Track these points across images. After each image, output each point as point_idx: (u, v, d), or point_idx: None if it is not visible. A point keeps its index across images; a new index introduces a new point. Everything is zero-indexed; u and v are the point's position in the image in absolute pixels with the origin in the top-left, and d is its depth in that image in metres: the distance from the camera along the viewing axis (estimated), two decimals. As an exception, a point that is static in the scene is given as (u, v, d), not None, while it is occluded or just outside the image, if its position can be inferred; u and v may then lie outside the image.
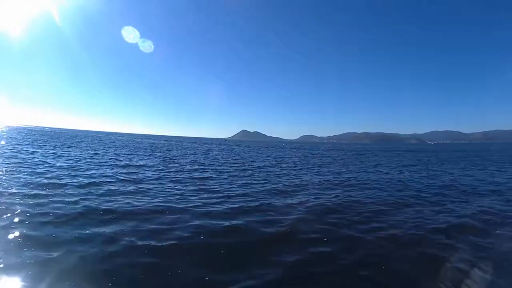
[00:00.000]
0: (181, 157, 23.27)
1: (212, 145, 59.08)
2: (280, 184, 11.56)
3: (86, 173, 11.98)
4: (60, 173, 11.50)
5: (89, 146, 31.52)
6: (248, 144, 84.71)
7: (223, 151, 37.07)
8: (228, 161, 21.86)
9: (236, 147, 57.58)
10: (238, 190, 9.89)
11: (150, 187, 9.70)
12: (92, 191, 8.57)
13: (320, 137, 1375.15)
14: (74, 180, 10.02)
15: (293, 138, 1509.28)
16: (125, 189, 9.13)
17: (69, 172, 11.88)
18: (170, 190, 9.50)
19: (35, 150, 20.97)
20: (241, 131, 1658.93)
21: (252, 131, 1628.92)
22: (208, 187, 10.38)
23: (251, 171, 15.90)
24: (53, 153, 19.68)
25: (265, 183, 11.88)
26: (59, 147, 25.86)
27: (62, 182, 9.51)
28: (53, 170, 12.14)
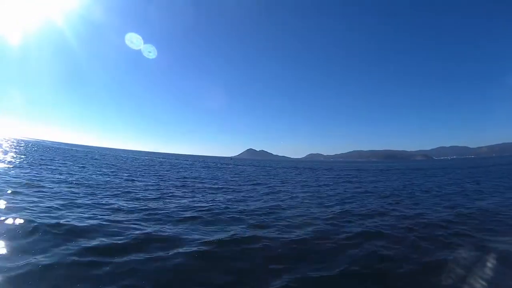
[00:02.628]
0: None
1: (245, 167, 50.90)
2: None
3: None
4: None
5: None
6: (264, 164, 75.96)
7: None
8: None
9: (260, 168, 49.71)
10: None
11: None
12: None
13: (327, 155, 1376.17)
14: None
15: (300, 157, 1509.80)
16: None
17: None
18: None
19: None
20: (247, 149, 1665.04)
21: (258, 150, 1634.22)
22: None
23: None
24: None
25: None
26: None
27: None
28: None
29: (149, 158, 74.31)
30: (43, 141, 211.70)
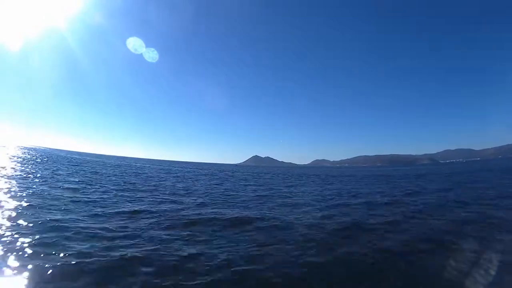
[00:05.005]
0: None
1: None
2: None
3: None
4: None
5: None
6: (277, 172, 71.97)
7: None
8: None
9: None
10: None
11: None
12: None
13: (333, 161, 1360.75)
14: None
15: (306, 163, 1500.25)
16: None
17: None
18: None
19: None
20: (252, 156, 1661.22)
21: (263, 157, 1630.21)
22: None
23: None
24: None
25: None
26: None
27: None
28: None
29: (169, 167, 70.56)
30: (49, 148, 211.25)
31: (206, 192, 18.45)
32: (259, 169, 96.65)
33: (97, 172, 30.08)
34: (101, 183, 19.77)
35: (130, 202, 12.81)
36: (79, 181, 19.96)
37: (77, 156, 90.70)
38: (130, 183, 21.63)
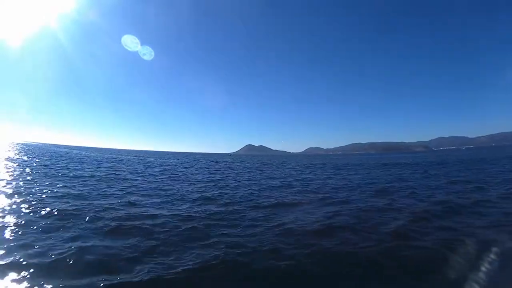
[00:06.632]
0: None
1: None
2: None
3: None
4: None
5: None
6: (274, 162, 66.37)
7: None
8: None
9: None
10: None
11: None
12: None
13: (326, 149, 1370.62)
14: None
15: (299, 151, 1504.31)
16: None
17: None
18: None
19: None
20: (246, 145, 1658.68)
21: (257, 145, 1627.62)
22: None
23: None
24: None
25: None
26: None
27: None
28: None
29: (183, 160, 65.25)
30: (44, 144, 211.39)
31: (191, 210, 9.64)
32: (257, 159, 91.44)
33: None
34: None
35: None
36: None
37: (65, 150, 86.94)
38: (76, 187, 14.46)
